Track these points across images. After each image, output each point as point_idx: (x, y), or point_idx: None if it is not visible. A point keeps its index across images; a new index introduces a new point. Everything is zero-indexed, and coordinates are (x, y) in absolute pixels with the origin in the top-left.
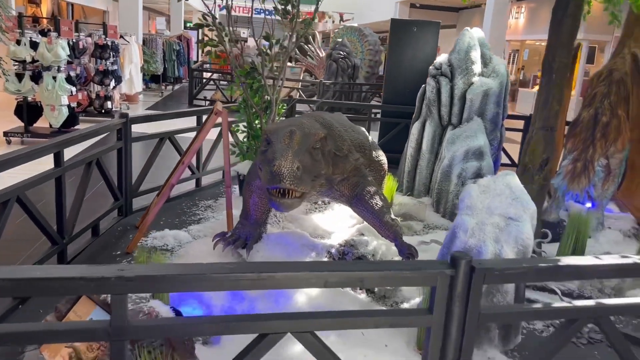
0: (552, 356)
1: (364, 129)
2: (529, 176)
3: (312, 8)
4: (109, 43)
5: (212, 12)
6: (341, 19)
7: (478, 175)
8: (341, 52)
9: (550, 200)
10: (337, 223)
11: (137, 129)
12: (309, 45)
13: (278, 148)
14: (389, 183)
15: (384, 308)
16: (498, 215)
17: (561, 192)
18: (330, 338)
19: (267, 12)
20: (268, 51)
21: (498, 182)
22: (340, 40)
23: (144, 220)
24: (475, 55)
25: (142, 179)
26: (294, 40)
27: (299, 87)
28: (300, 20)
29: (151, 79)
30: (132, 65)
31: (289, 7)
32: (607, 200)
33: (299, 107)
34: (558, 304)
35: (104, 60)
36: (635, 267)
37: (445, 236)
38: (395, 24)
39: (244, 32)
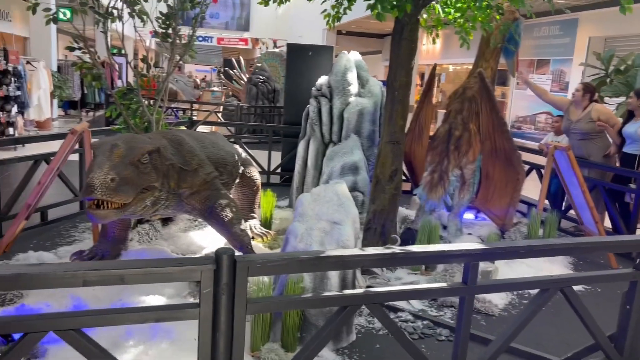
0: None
1: (235, 146)
2: (381, 187)
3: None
4: (10, 68)
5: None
6: (275, 45)
7: (354, 188)
8: (260, 77)
9: (417, 209)
10: (214, 241)
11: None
12: (234, 70)
13: (97, 161)
14: (268, 198)
15: None
16: (325, 220)
17: (422, 202)
18: (162, 345)
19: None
20: (145, 72)
21: (328, 190)
22: (260, 65)
23: None
24: (352, 77)
25: (13, 202)
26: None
27: (220, 110)
28: (183, 42)
29: (70, 105)
30: (40, 91)
31: (170, 31)
32: (464, 207)
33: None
34: (328, 293)
35: (4, 86)
36: (389, 256)
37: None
38: (291, 49)
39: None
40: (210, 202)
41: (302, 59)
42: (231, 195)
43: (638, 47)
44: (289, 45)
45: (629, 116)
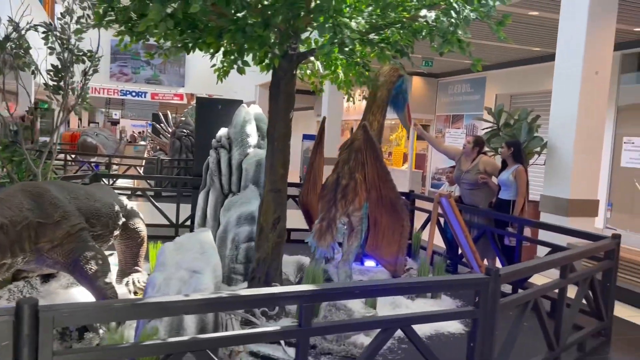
0: None
1: (117, 198)
2: (265, 235)
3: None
4: None
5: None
6: None
7: (250, 238)
8: (184, 130)
9: (311, 256)
10: None
11: None
12: (161, 125)
13: None
14: (151, 251)
15: None
16: (185, 269)
17: (313, 249)
18: None
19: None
20: (28, 123)
21: (192, 239)
22: (184, 119)
23: None
24: (251, 129)
25: None
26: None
27: (142, 164)
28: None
29: None
30: None
31: (61, 83)
32: (353, 254)
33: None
34: (149, 342)
35: None
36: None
37: None
38: (200, 102)
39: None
40: (74, 255)
41: (211, 113)
42: (116, 247)
43: (538, 103)
44: (198, 99)
45: (503, 165)
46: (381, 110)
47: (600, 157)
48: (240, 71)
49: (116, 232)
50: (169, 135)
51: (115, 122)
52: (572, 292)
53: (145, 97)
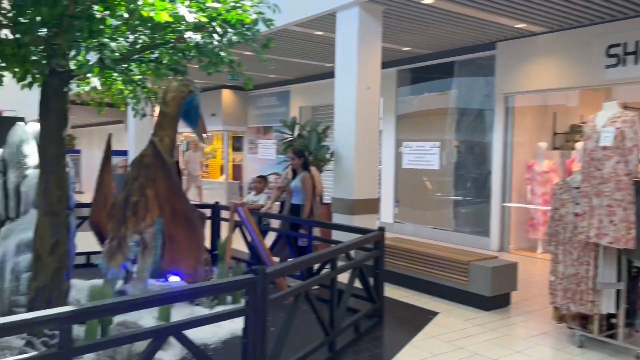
0: None
1: None
2: (42, 262)
3: None
4: None
5: None
6: None
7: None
8: None
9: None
10: None
11: None
12: None
13: None
14: None
15: None
16: None
17: (104, 271)
18: None
19: None
20: None
21: None
22: None
23: None
24: (29, 149)
25: None
26: None
27: None
28: None
29: None
30: None
31: None
32: (147, 272)
33: None
34: None
35: None
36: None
37: None
38: None
39: None
40: None
41: None
42: None
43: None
44: None
45: (295, 173)
46: (172, 125)
47: (376, 161)
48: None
49: None
50: None
51: None
52: None
53: None
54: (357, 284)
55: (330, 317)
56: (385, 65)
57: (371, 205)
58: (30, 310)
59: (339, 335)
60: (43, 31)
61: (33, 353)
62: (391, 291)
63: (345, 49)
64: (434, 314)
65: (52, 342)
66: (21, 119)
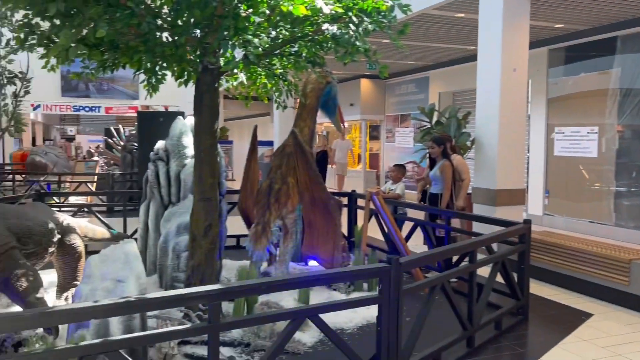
0: None
1: (52, 216)
2: (197, 242)
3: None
4: None
5: None
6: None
7: None
8: (135, 144)
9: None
10: None
11: None
12: (113, 139)
13: None
14: None
15: None
16: (110, 279)
17: (250, 253)
18: None
19: None
20: None
21: (117, 250)
22: (135, 132)
23: None
24: (187, 140)
25: None
26: None
27: (94, 180)
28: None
29: None
30: None
31: None
32: (289, 255)
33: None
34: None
35: None
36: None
37: None
38: (142, 116)
39: None
40: (4, 274)
41: (153, 125)
42: (54, 264)
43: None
44: (139, 113)
45: (433, 162)
46: (311, 116)
47: (523, 148)
48: (154, 89)
49: (51, 249)
50: (120, 149)
51: (70, 139)
52: None
53: (99, 111)
54: (499, 279)
55: (468, 311)
56: (533, 45)
57: (517, 196)
58: (187, 286)
59: (479, 331)
60: (196, 32)
61: (186, 326)
62: (538, 288)
63: (488, 30)
64: (587, 315)
65: (205, 317)
66: (181, 114)
